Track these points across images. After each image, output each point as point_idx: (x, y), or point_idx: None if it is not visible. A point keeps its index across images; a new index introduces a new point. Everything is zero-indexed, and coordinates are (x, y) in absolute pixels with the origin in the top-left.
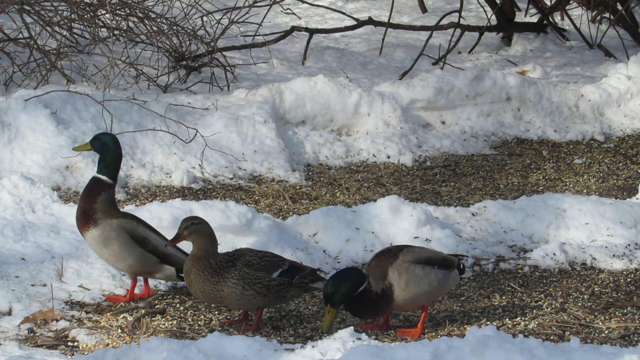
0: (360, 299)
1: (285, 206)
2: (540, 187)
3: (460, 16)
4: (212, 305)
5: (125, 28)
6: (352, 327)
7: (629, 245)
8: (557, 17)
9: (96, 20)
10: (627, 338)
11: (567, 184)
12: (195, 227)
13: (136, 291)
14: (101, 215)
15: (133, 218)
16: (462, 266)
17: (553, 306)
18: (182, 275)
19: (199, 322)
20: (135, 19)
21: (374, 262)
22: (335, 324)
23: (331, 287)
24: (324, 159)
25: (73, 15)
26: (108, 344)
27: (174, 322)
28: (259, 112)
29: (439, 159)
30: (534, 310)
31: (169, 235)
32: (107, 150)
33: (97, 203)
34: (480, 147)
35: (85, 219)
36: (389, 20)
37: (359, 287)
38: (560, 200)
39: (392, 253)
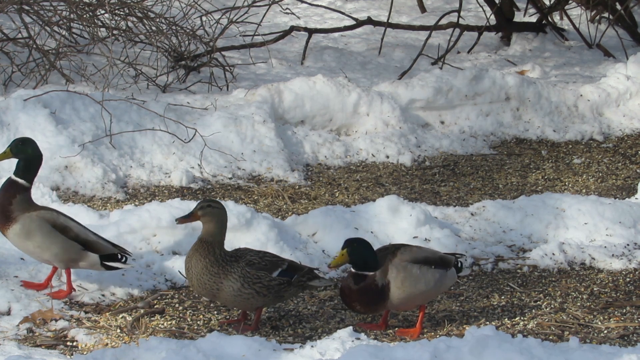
0: (362, 284)
1: (284, 206)
2: (540, 187)
3: (459, 16)
4: (211, 304)
5: (124, 28)
6: (351, 327)
7: (628, 245)
8: (556, 17)
9: (95, 20)
10: (626, 338)
11: (566, 183)
12: (211, 209)
13: (62, 287)
14: (19, 212)
15: (53, 210)
16: (460, 264)
17: (552, 306)
18: (107, 263)
19: (198, 322)
20: (134, 19)
21: None
22: (334, 324)
23: (354, 241)
24: (323, 159)
25: (72, 15)
26: (107, 344)
27: (173, 322)
28: (258, 112)
29: (438, 158)
30: (533, 310)
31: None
32: (27, 155)
33: (12, 205)
34: (480, 147)
35: (4, 220)
36: (388, 20)
37: (373, 266)
38: (559, 200)
39: (389, 251)
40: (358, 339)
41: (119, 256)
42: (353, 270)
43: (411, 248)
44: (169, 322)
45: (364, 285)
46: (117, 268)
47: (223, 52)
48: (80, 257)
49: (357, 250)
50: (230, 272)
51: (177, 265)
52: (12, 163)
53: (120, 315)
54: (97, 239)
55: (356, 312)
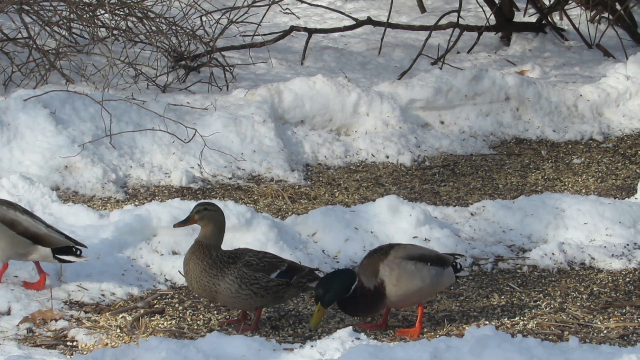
0: (354, 298)
1: (284, 206)
2: (539, 187)
3: (459, 16)
4: (211, 304)
5: (124, 28)
6: (350, 327)
7: (627, 245)
8: (556, 17)
9: (95, 20)
10: (625, 338)
11: (566, 183)
12: (207, 212)
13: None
14: None
15: (4, 203)
16: (458, 265)
17: (552, 306)
18: (60, 256)
19: (198, 322)
20: (134, 19)
21: (366, 260)
22: (334, 324)
23: (323, 288)
24: (322, 159)
25: (72, 15)
26: (107, 344)
27: (173, 321)
28: (257, 112)
29: (437, 158)
30: (533, 310)
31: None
32: None
33: None
34: (479, 147)
35: None
36: (387, 20)
37: (351, 286)
38: (559, 200)
39: (383, 251)
40: (358, 338)
41: (74, 249)
42: None
43: (405, 246)
44: (169, 322)
45: (357, 297)
46: (70, 261)
47: (223, 52)
48: (29, 251)
49: (329, 295)
50: (227, 273)
51: (177, 265)
52: (11, 162)
53: (120, 315)
54: (49, 231)
55: (360, 317)
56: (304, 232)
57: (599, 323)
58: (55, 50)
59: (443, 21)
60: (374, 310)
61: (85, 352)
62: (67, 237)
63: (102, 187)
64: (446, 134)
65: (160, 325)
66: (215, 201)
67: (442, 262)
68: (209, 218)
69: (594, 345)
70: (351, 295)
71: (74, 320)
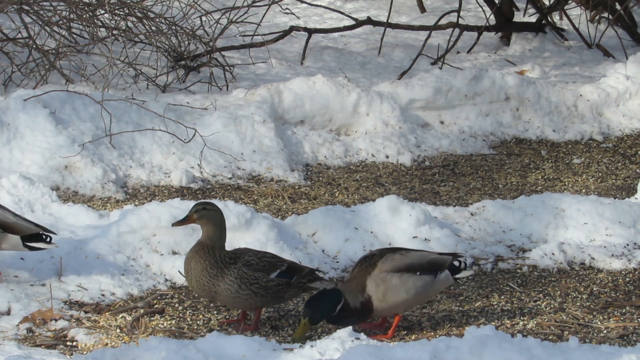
0: (341, 316)
1: (284, 206)
2: (539, 187)
3: (459, 16)
4: (211, 304)
5: (124, 28)
6: (350, 327)
7: (627, 245)
8: (555, 17)
9: (95, 20)
10: (625, 338)
11: (566, 183)
12: (206, 212)
13: None
14: None
15: None
16: (462, 264)
17: (552, 306)
18: (30, 244)
19: (198, 322)
20: (134, 19)
21: (357, 269)
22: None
23: (311, 308)
24: (322, 159)
25: (72, 15)
26: (107, 344)
27: (173, 321)
28: (257, 111)
29: (437, 158)
30: (533, 310)
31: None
32: None
33: None
34: (479, 147)
35: None
36: (387, 20)
37: (336, 307)
38: (559, 200)
39: (372, 261)
40: (358, 338)
41: (43, 236)
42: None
43: (394, 255)
44: (169, 322)
45: (344, 314)
46: (40, 248)
47: (223, 52)
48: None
49: (316, 315)
50: (227, 274)
51: (176, 265)
52: (11, 162)
53: (120, 315)
54: (17, 220)
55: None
56: (304, 232)
57: (599, 323)
58: (55, 50)
59: (443, 21)
60: (361, 322)
61: (85, 352)
62: (36, 224)
63: (102, 187)
64: (446, 134)
65: (160, 325)
66: (215, 201)
67: (435, 267)
68: (208, 217)
69: (594, 345)
70: (338, 314)
71: (74, 320)
